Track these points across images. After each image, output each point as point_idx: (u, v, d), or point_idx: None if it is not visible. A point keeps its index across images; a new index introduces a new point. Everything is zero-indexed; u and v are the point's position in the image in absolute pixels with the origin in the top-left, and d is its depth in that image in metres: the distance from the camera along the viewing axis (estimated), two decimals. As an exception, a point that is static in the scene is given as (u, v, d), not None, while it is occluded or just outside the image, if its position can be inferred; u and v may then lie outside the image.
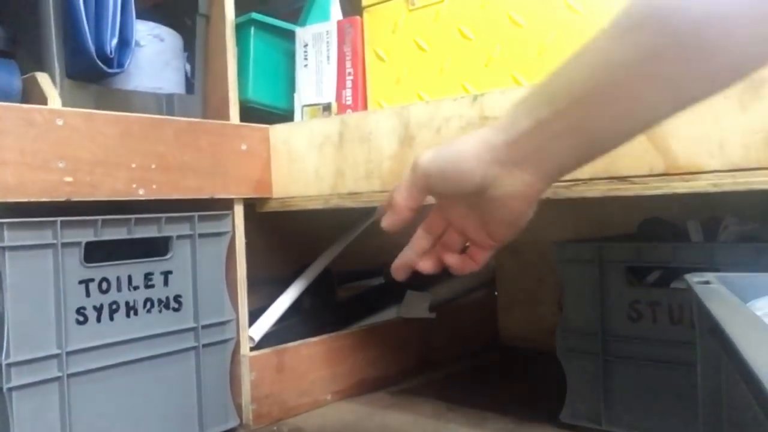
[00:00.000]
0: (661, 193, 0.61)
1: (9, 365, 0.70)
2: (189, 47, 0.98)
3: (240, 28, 0.94)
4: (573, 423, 0.86)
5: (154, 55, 0.91)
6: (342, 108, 0.91)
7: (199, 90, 0.95)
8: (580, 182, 0.66)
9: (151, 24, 0.90)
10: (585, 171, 0.66)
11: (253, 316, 1.00)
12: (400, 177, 0.81)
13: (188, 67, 0.98)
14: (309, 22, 0.97)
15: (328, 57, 0.92)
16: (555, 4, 0.72)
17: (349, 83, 0.90)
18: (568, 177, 0.63)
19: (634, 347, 0.81)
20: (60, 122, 0.74)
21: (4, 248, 0.70)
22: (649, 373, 0.80)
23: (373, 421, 0.96)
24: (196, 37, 0.94)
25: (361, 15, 0.89)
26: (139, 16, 0.87)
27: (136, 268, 0.82)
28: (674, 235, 0.89)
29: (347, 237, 1.16)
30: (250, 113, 0.98)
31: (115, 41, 0.80)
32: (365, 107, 0.89)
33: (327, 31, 0.92)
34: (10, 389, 0.70)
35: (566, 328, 0.87)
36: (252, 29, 0.95)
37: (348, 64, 0.90)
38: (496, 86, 0.75)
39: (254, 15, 0.95)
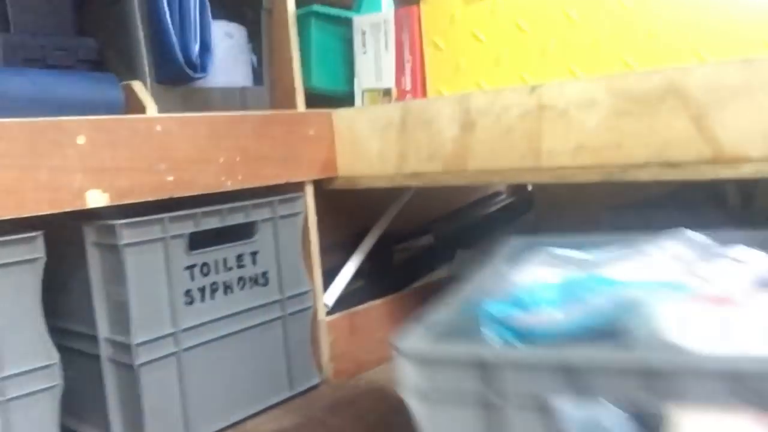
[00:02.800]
0: (709, 179, 0.69)
1: (137, 345, 0.81)
2: (252, 38, 1.04)
3: (300, 20, 1.01)
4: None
5: (225, 52, 0.98)
6: (401, 94, 0.98)
7: (267, 80, 1.02)
8: (635, 166, 0.74)
9: (222, 22, 0.97)
10: (639, 155, 0.74)
11: (327, 274, 1.11)
12: (462, 160, 0.89)
13: (253, 57, 1.05)
14: (363, 10, 1.03)
15: (386, 44, 0.99)
16: (605, -2, 0.78)
17: (407, 70, 0.97)
18: (621, 160, 0.72)
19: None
20: (159, 128, 0.83)
21: (123, 246, 0.80)
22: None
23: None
24: (261, 30, 1.00)
25: (417, 5, 0.95)
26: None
27: (229, 252, 0.92)
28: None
29: (398, 204, 1.25)
30: (313, 98, 1.05)
31: (197, 47, 0.88)
32: (424, 94, 0.97)
33: (385, 21, 0.98)
34: (139, 366, 0.82)
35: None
36: (312, 20, 1.02)
37: (406, 51, 0.96)
38: (552, 77, 0.82)
39: (315, 7, 1.01)
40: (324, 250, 1.14)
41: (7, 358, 0.72)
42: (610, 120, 0.75)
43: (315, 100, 1.05)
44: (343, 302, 1.12)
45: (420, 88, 0.97)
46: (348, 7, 1.08)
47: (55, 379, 0.76)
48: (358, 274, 1.21)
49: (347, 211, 1.18)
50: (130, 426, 0.85)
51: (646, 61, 0.76)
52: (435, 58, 0.94)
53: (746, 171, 0.67)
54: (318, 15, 1.02)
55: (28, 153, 0.71)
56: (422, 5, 0.94)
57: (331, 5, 1.06)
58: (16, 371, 0.73)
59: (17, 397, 0.73)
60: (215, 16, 0.97)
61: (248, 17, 1.04)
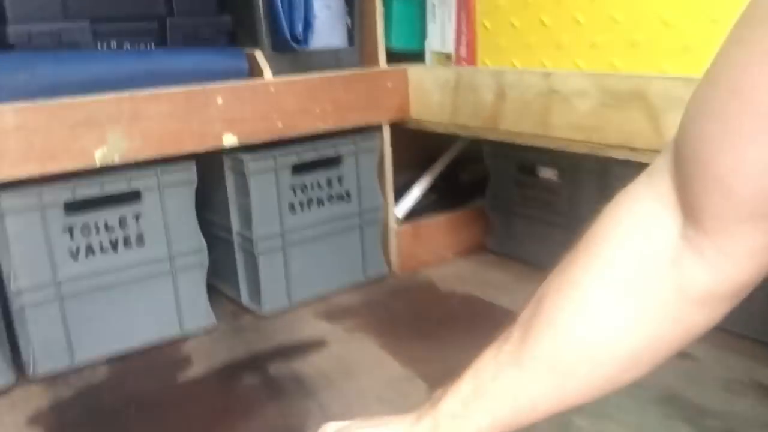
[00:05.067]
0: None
1: (257, 239, 1.20)
2: (348, 4, 1.31)
3: (385, -9, 1.27)
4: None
5: (325, 20, 1.27)
6: (458, 59, 1.23)
7: (357, 41, 1.31)
8: (611, 147, 0.98)
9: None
10: (614, 139, 0.97)
11: (398, 193, 1.43)
12: (495, 120, 1.15)
13: (348, 20, 1.32)
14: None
15: (449, 17, 1.23)
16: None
17: (464, 41, 1.21)
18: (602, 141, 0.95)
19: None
20: (272, 89, 1.16)
21: (248, 174, 1.16)
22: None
23: (479, 274, 1.39)
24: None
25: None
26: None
27: (322, 176, 1.27)
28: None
29: (461, 144, 1.52)
30: (393, 54, 1.33)
31: (301, 24, 1.18)
32: (474, 63, 1.21)
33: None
34: (258, 253, 1.21)
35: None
36: (394, -9, 1.28)
37: (463, 26, 1.20)
38: (562, 67, 1.04)
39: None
40: (400, 175, 1.45)
41: (175, 244, 1.13)
42: (597, 108, 0.98)
43: (395, 56, 1.33)
44: (416, 212, 1.45)
45: (471, 57, 1.21)
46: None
47: (204, 258, 1.17)
48: (432, 190, 1.53)
49: (420, 145, 1.46)
50: (252, 290, 1.26)
51: (628, 66, 0.96)
52: (483, 36, 1.17)
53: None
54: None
55: (184, 111, 1.08)
56: (477, -11, 1.16)
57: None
58: (183, 251, 1.14)
59: (182, 268, 1.15)
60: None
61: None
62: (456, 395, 0.56)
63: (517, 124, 1.12)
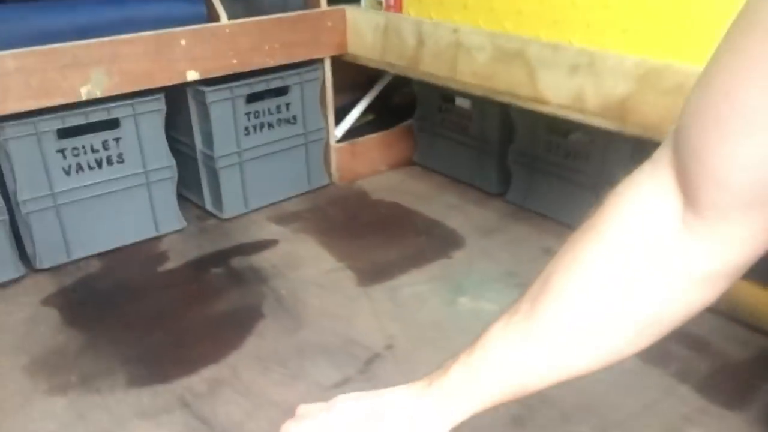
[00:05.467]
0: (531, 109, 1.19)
1: (217, 157, 1.44)
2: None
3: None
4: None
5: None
6: (388, 6, 1.45)
7: (301, -16, 1.50)
8: (499, 93, 1.24)
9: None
10: (502, 87, 1.23)
11: (340, 115, 1.67)
12: (416, 63, 1.39)
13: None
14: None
15: (382, -33, 1.43)
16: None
17: (393, -10, 1.42)
18: (494, 87, 1.21)
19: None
20: (228, 31, 1.37)
21: (209, 102, 1.39)
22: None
23: (405, 185, 1.68)
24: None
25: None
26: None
27: (272, 103, 1.50)
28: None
29: (389, 76, 1.75)
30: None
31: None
32: (400, 11, 1.43)
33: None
34: (218, 168, 1.45)
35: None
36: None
37: (393, -24, 1.41)
38: (469, 24, 1.28)
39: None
40: (341, 98, 1.69)
41: (149, 162, 1.37)
42: (490, 61, 1.24)
43: (335, -1, 1.53)
44: (355, 131, 1.70)
45: (398, 5, 1.42)
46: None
47: (173, 172, 1.41)
48: (369, 111, 1.77)
49: (358, 73, 1.68)
50: (215, 198, 1.52)
51: (515, 29, 1.21)
52: (409, -13, 1.39)
53: (546, 109, 1.17)
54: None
55: (154, 51, 1.28)
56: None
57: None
58: (155, 167, 1.38)
59: (155, 181, 1.39)
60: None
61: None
62: (466, 365, 0.57)
63: (433, 67, 1.36)
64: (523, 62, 1.17)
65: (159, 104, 1.35)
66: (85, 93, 1.22)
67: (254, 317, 1.16)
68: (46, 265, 1.30)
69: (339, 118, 1.69)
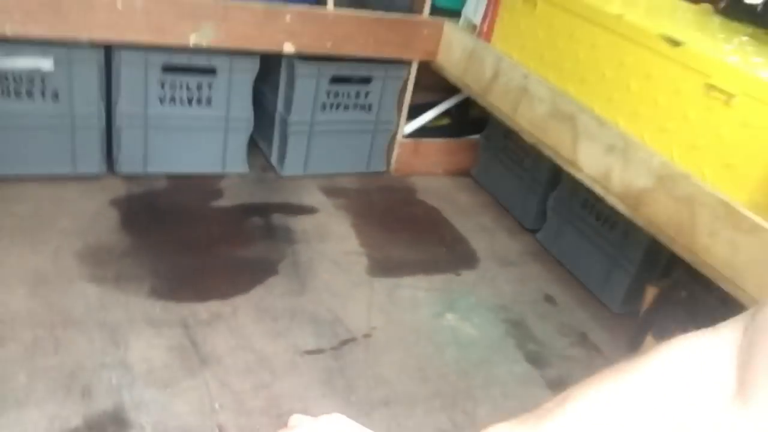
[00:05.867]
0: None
1: (291, 122, 1.61)
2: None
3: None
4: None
5: (390, -33, 1.57)
6: (480, 32, 1.54)
7: (411, -10, 1.62)
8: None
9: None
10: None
11: (415, 112, 1.80)
12: (487, 92, 1.49)
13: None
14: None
15: (485, -4, 1.52)
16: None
17: (488, 20, 1.51)
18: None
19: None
20: (330, 18, 1.51)
21: (296, 76, 1.55)
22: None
23: (452, 194, 1.79)
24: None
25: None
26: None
27: (353, 88, 1.64)
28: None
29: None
30: (437, 9, 1.64)
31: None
32: (489, 40, 1.52)
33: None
34: (290, 133, 1.62)
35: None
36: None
37: (490, 8, 1.50)
38: (538, 75, 1.36)
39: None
40: (423, 96, 1.81)
41: (232, 110, 1.55)
42: (546, 115, 1.32)
43: (439, 10, 1.64)
44: (426, 131, 1.82)
45: (488, 35, 1.51)
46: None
47: (250, 124, 1.59)
48: (445, 115, 1.89)
49: (441, 80, 1.80)
50: (280, 155, 1.69)
51: (578, 94, 1.28)
52: (500, 23, 1.47)
53: (579, 176, 1.25)
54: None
55: (261, 20, 1.45)
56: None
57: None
58: (236, 116, 1.56)
59: (233, 128, 1.58)
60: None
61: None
62: None
63: (499, 102, 1.46)
64: (572, 126, 1.26)
65: (253, 65, 1.52)
66: (193, 40, 1.41)
67: (269, 271, 1.33)
68: (123, 171, 1.53)
69: (414, 115, 1.81)
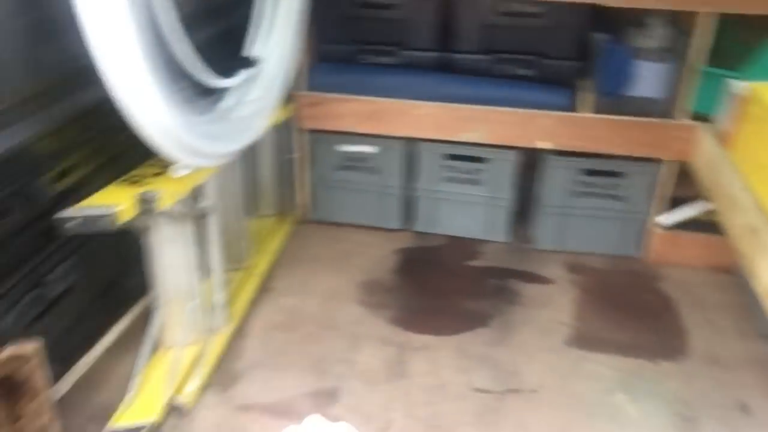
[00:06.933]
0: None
1: (545, 207, 1.91)
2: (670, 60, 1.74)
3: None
4: None
5: (648, 73, 1.75)
6: (724, 136, 1.60)
7: (670, 97, 1.76)
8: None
9: (648, 64, 1.73)
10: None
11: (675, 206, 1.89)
12: (724, 210, 1.57)
13: (672, 78, 1.76)
14: (743, 78, 1.58)
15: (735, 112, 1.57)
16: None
17: (732, 126, 1.56)
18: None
19: None
20: (586, 122, 1.78)
21: (549, 168, 1.85)
22: None
23: (703, 288, 1.82)
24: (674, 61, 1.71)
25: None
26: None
27: (605, 181, 1.86)
28: None
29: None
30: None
31: (622, 81, 1.72)
32: (731, 146, 1.56)
33: (735, 96, 1.55)
34: (544, 214, 1.93)
35: None
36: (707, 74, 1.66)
37: (736, 122, 1.55)
38: None
39: (709, 68, 1.65)
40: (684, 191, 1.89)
41: (496, 191, 1.94)
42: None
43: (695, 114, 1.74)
44: (692, 224, 1.89)
45: (731, 142, 1.56)
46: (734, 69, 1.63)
47: (509, 203, 1.96)
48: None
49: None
50: (540, 231, 2.00)
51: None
52: (739, 141, 1.52)
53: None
54: (710, 74, 1.65)
55: (518, 124, 1.81)
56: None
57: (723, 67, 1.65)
58: (498, 196, 1.95)
59: (496, 205, 1.97)
60: (646, 58, 1.73)
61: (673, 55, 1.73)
62: None
63: (727, 221, 1.50)
64: None
65: (512, 157, 1.89)
66: (465, 137, 1.86)
67: (481, 322, 1.68)
68: (416, 229, 2.06)
69: (677, 206, 1.90)
